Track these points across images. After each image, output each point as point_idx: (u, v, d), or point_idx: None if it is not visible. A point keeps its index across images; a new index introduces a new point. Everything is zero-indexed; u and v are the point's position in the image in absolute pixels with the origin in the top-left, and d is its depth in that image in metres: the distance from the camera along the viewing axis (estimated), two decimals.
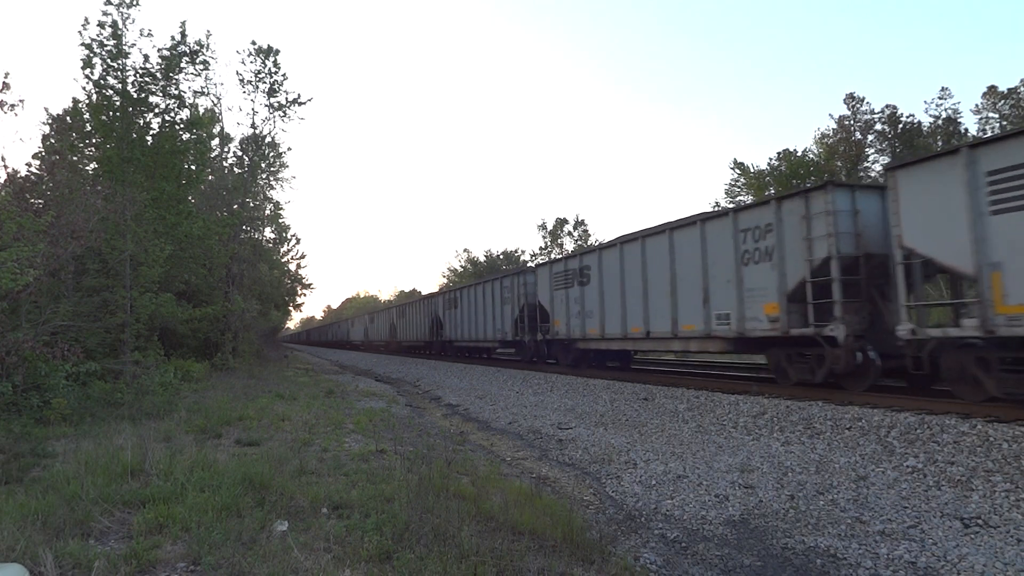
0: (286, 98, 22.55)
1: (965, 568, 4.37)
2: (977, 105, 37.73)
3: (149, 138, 14.70)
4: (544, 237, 60.18)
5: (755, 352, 12.33)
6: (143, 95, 14.39)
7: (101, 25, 13.73)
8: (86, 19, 16.67)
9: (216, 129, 23.94)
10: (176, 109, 15.07)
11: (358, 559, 3.88)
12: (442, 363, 26.22)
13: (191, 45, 15.29)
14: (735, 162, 41.81)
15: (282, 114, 22.72)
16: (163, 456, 6.00)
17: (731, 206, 11.63)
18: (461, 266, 62.42)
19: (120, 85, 14.04)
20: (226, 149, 25.76)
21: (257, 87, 22.42)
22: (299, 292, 41.37)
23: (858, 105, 39.78)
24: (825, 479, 6.44)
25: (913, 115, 38.85)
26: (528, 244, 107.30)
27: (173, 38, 14.99)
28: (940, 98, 38.20)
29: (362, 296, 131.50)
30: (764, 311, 10.52)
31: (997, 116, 36.46)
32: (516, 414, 12.47)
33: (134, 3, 13.92)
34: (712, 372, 15.23)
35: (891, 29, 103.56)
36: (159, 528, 4.27)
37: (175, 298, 16.14)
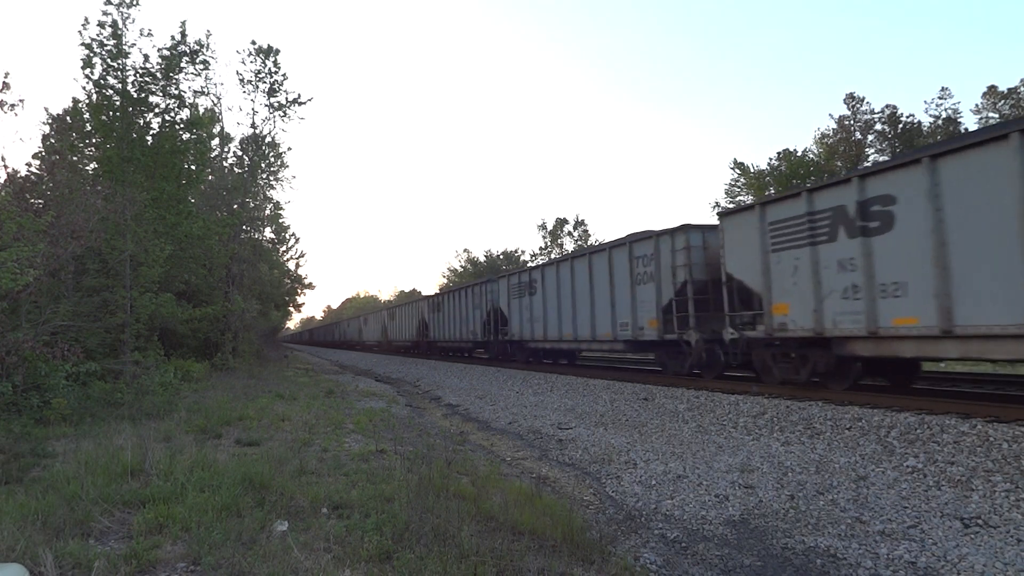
0: (286, 98, 22.59)
1: (965, 568, 4.36)
2: (977, 105, 37.78)
3: (149, 138, 14.70)
4: (544, 237, 60.24)
5: (647, 352, 15.60)
6: (143, 95, 14.39)
7: (101, 25, 13.74)
8: (86, 19, 16.69)
9: (216, 129, 23.96)
10: (176, 109, 15.08)
11: (358, 559, 3.88)
12: (442, 363, 26.25)
13: (191, 45, 15.29)
14: (735, 162, 41.85)
15: (282, 114, 22.75)
16: (163, 456, 6.00)
17: (630, 236, 14.82)
18: (461, 266, 62.46)
19: (120, 85, 14.04)
20: (226, 149, 25.80)
21: (257, 87, 22.44)
22: (299, 292, 41.42)
23: (858, 105, 39.80)
24: (825, 479, 6.44)
25: (913, 115, 38.88)
26: (528, 244, 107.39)
27: (173, 38, 14.99)
28: (940, 98, 38.24)
29: (362, 296, 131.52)
30: (648, 322, 13.64)
31: (997, 116, 36.45)
32: (516, 414, 12.47)
33: (134, 3, 13.93)
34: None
35: (891, 29, 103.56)
36: (159, 528, 4.27)
37: (175, 298, 16.14)
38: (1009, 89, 36.41)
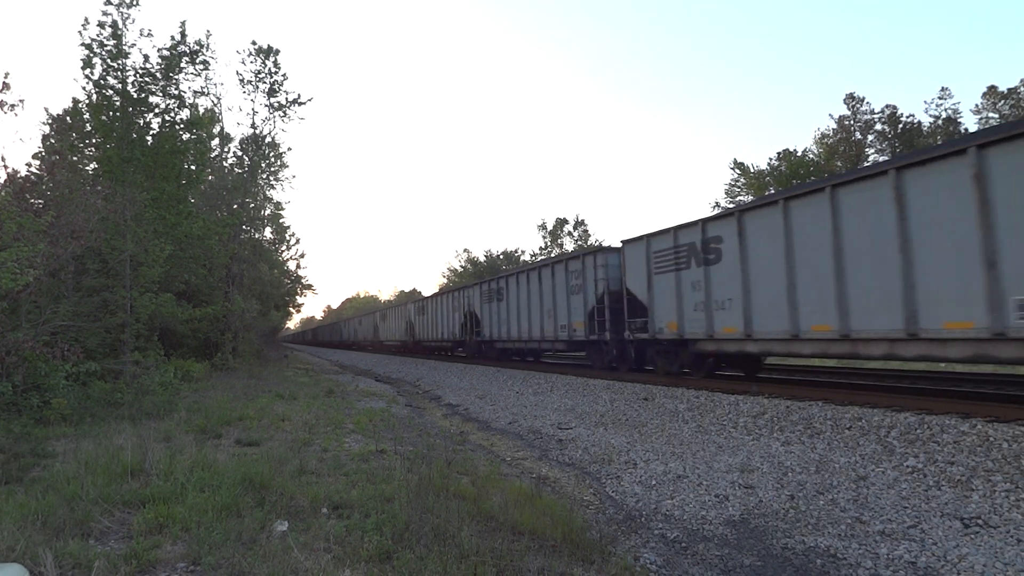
0: (286, 98, 22.57)
1: (965, 568, 4.36)
2: (977, 105, 37.80)
3: (149, 138, 14.70)
4: (544, 237, 60.23)
5: (580, 349, 17.85)
6: (143, 95, 14.39)
7: (101, 25, 13.73)
8: (86, 19, 16.70)
9: (216, 129, 23.95)
10: (176, 109, 15.08)
11: (358, 559, 3.88)
12: (442, 363, 26.30)
13: (191, 45, 15.29)
14: (735, 162, 41.87)
15: (282, 114, 22.74)
16: (163, 456, 6.00)
17: (567, 254, 20.04)
18: (461, 266, 62.43)
19: (120, 85, 14.04)
20: (226, 149, 25.78)
21: (257, 87, 22.42)
22: (299, 293, 41.43)
23: (858, 105, 39.81)
24: (825, 479, 6.44)
25: (913, 115, 38.93)
26: (528, 244, 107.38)
27: (173, 38, 14.99)
28: (940, 98, 38.26)
29: (362, 296, 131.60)
30: (577, 325, 16.65)
31: (997, 116, 36.45)
32: (516, 414, 12.47)
33: (134, 3, 13.92)
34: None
35: (891, 29, 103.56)
36: (159, 528, 4.27)
37: (175, 298, 16.13)
38: (1009, 89, 36.43)
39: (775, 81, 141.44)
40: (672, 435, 9.13)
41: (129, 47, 14.00)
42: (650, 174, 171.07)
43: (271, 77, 22.29)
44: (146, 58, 14.36)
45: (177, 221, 15.15)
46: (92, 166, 16.57)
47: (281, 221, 35.33)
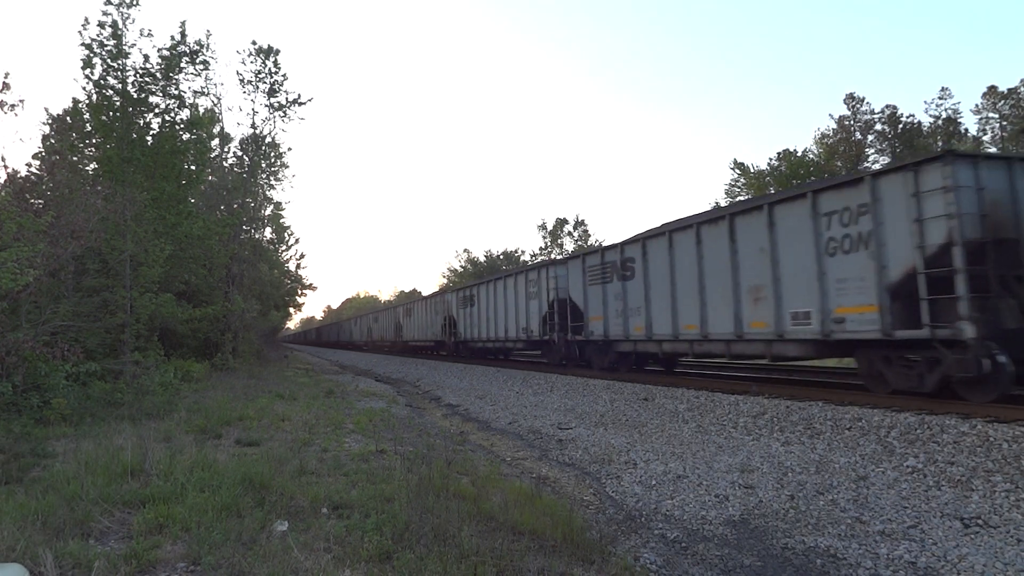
0: (286, 98, 22.57)
1: (965, 568, 4.36)
2: (977, 105, 37.84)
3: (149, 138, 14.71)
4: (544, 237, 60.33)
5: (537, 348, 20.65)
6: (143, 95, 14.39)
7: (101, 25, 13.74)
8: (86, 19, 16.66)
9: (216, 129, 23.94)
10: (176, 109, 15.09)
11: (358, 559, 3.88)
12: (442, 363, 26.35)
13: (191, 45, 15.31)
14: (735, 162, 41.91)
15: (282, 114, 22.74)
16: (163, 456, 6.01)
17: (527, 266, 23.60)
18: (461, 266, 62.46)
19: (120, 85, 14.04)
20: (226, 149, 25.78)
21: (257, 87, 22.43)
22: (300, 293, 41.46)
23: (858, 105, 39.84)
24: (825, 479, 6.44)
25: (913, 115, 38.96)
26: (528, 244, 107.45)
27: (173, 38, 15.00)
28: (940, 98, 38.30)
29: (362, 296, 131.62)
30: (534, 327, 19.35)
31: (997, 116, 36.48)
32: (516, 414, 12.47)
33: (134, 3, 13.93)
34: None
35: (891, 29, 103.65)
36: (159, 528, 4.27)
37: (175, 298, 16.14)
38: (1009, 89, 36.45)
39: (775, 81, 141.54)
40: (672, 435, 9.13)
41: (129, 47, 14.01)
42: (650, 174, 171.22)
43: (271, 77, 22.32)
44: (146, 58, 14.38)
45: (177, 221, 15.15)
46: (92, 166, 16.57)
47: (281, 221, 35.37)
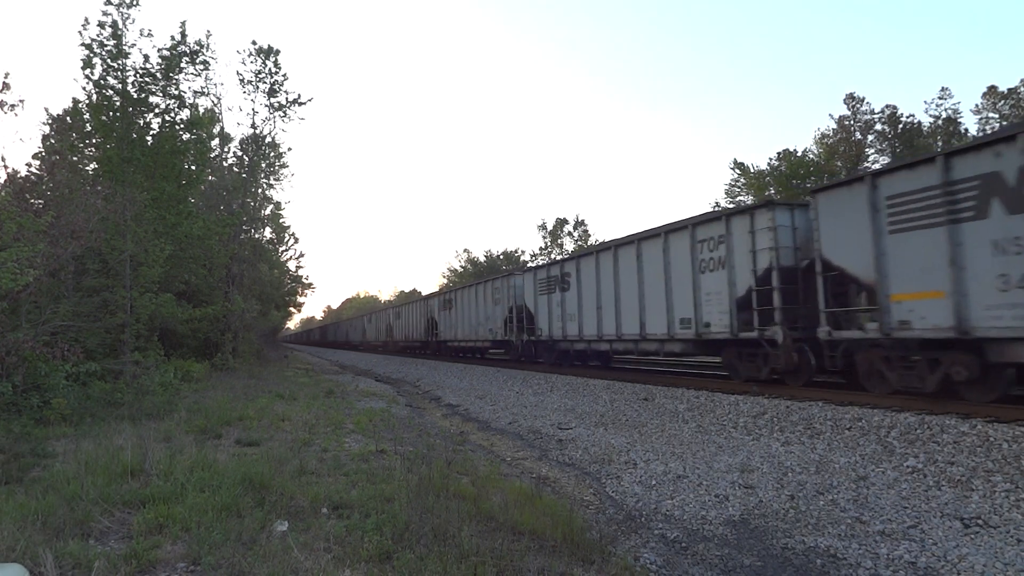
0: (286, 98, 22.56)
1: (965, 568, 4.36)
2: (977, 105, 37.79)
3: (149, 138, 14.68)
4: (544, 237, 60.25)
5: (501, 347, 23.32)
6: (143, 95, 14.37)
7: (101, 25, 13.71)
8: (86, 19, 16.66)
9: (216, 129, 23.92)
10: (176, 109, 15.05)
11: (358, 559, 3.88)
12: (442, 363, 26.41)
13: (191, 45, 15.27)
14: (735, 162, 41.89)
15: (282, 114, 22.73)
16: (163, 456, 6.00)
17: (493, 275, 26.86)
18: (461, 266, 62.42)
19: (120, 85, 14.02)
20: (226, 149, 25.76)
21: (257, 87, 22.42)
22: (299, 292, 41.48)
23: (858, 105, 39.81)
24: (825, 479, 6.44)
25: (913, 115, 38.91)
26: (528, 244, 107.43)
27: (173, 38, 14.97)
28: (940, 98, 38.24)
29: (362, 296, 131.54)
30: (500, 327, 22.28)
31: (997, 116, 36.46)
32: (516, 414, 12.47)
33: (134, 3, 13.90)
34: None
35: (891, 29, 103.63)
36: (159, 528, 4.27)
37: (175, 298, 16.13)
38: (1009, 89, 36.42)
39: (775, 81, 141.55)
40: (672, 435, 9.13)
41: (129, 47, 13.98)
42: (650, 174, 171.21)
43: (271, 77, 22.30)
44: (146, 58, 14.35)
45: (177, 221, 15.14)
46: (92, 166, 16.56)
47: (281, 221, 35.35)
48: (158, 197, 14.40)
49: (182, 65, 14.98)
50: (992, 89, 37.01)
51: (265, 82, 22.30)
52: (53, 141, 17.99)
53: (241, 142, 23.83)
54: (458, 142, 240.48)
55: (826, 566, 4.69)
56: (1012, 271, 7.11)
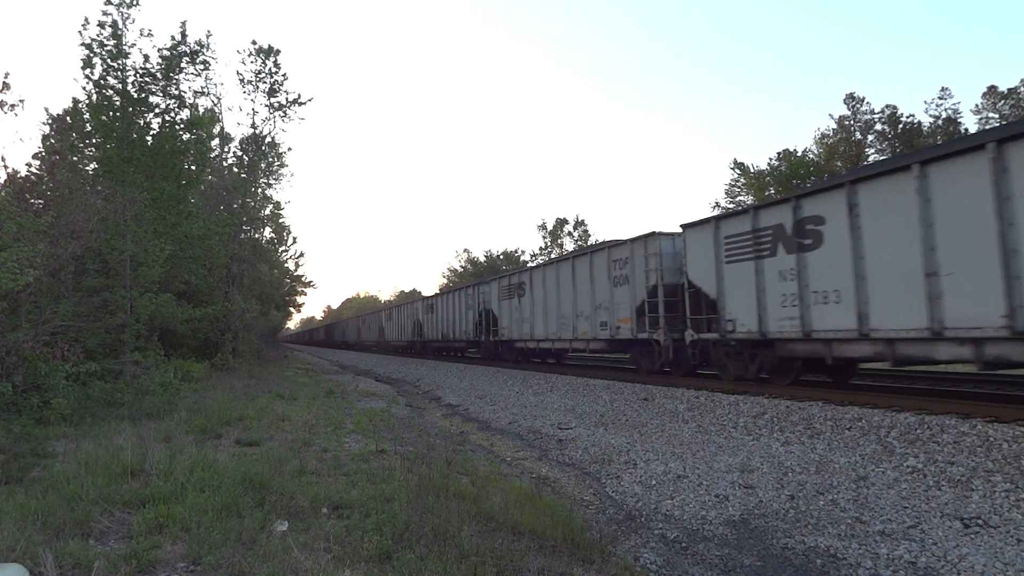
0: (286, 98, 22.57)
1: (965, 568, 4.36)
2: (977, 105, 37.79)
3: (149, 138, 14.68)
4: (544, 237, 60.22)
5: (474, 346, 26.28)
6: (143, 95, 14.36)
7: (101, 25, 13.71)
8: (86, 19, 16.66)
9: (216, 129, 23.93)
10: (176, 109, 15.05)
11: (358, 559, 3.88)
12: (442, 363, 26.45)
13: (191, 45, 15.26)
14: (735, 162, 41.86)
15: (282, 114, 22.74)
16: (163, 456, 6.00)
17: (467, 283, 30.84)
18: (461, 266, 62.40)
19: (120, 85, 14.01)
20: (226, 149, 25.76)
21: (257, 87, 22.43)
22: (299, 291, 41.51)
23: (858, 105, 39.81)
24: (825, 479, 6.44)
25: (913, 115, 38.90)
26: (528, 244, 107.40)
27: (173, 38, 14.97)
28: (940, 98, 38.23)
29: (362, 296, 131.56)
30: (472, 328, 25.16)
31: (997, 116, 36.45)
32: (516, 414, 12.47)
33: (134, 3, 13.90)
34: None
35: (891, 29, 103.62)
36: (159, 528, 4.27)
37: (175, 298, 16.13)
38: (1009, 89, 36.42)
39: (775, 81, 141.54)
40: (672, 435, 9.13)
41: (129, 47, 13.97)
42: (650, 174, 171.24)
43: (271, 77, 22.31)
44: (146, 58, 14.35)
45: (177, 221, 15.13)
46: (92, 166, 16.55)
47: (281, 221, 35.33)
48: (158, 197, 14.40)
49: (182, 65, 14.97)
50: (992, 89, 37.01)
51: (265, 82, 22.32)
52: (53, 141, 18.00)
53: (241, 142, 23.85)
54: (458, 142, 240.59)
55: (826, 566, 4.69)
56: (788, 292, 10.05)
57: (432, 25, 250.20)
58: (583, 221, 60.71)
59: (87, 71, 13.76)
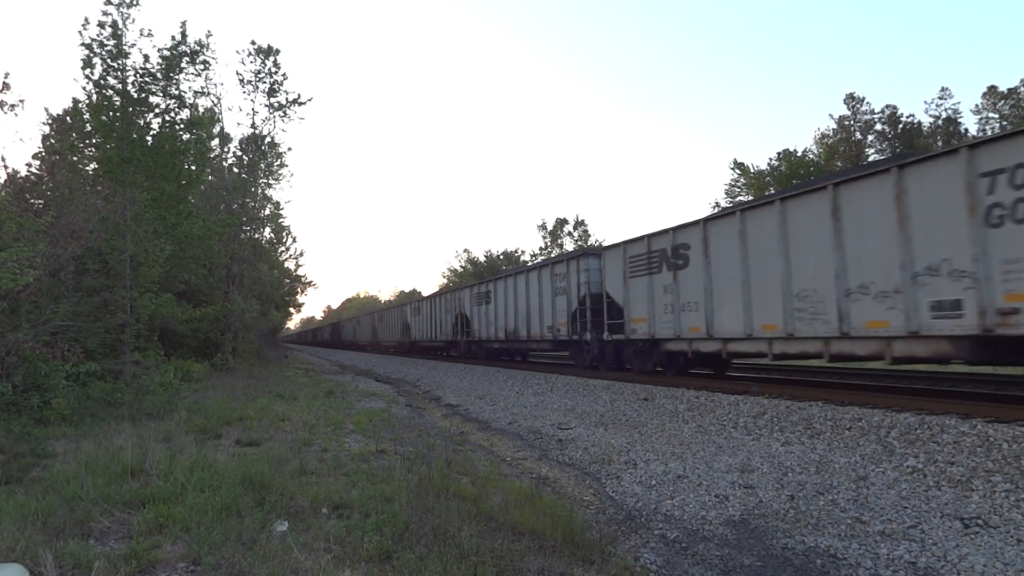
0: (286, 98, 22.53)
1: (965, 568, 4.36)
2: (977, 105, 37.80)
3: (149, 138, 14.66)
4: (544, 237, 60.24)
5: (452, 348, 29.06)
6: (143, 95, 14.35)
7: (101, 25, 13.69)
8: (86, 19, 16.64)
9: (216, 129, 23.90)
10: (176, 109, 15.03)
11: (358, 559, 3.88)
12: (442, 363, 26.46)
13: (191, 45, 15.24)
14: (735, 162, 41.90)
15: (282, 114, 22.71)
16: (163, 456, 6.00)
17: (445, 288, 34.15)
18: (461, 266, 62.37)
19: (120, 85, 14.00)
20: (226, 149, 25.74)
21: (257, 87, 22.40)
22: (299, 291, 41.51)
23: (858, 105, 39.82)
24: (825, 479, 6.44)
25: (913, 115, 38.94)
26: (528, 244, 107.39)
27: (173, 38, 14.95)
28: (940, 98, 38.26)
29: (362, 296, 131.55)
30: (450, 329, 28.65)
31: (997, 116, 36.45)
32: (516, 414, 12.47)
33: (134, 3, 13.89)
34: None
35: (891, 29, 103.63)
36: (159, 528, 4.27)
37: (175, 298, 16.12)
38: (1009, 89, 36.43)
39: (775, 81, 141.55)
40: (672, 435, 9.13)
41: (129, 47, 13.95)
42: (650, 174, 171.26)
43: (271, 77, 22.28)
44: (146, 58, 14.33)
45: (177, 221, 15.13)
46: (92, 166, 16.54)
47: (281, 221, 35.31)
48: (158, 197, 14.39)
49: (182, 65, 14.96)
50: (992, 89, 37.03)
51: (265, 82, 22.30)
52: (53, 141, 17.99)
53: (241, 142, 23.82)
54: (458, 142, 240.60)
55: (826, 566, 4.69)
56: (668, 302, 12.95)
57: (432, 25, 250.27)
58: (583, 221, 60.79)
59: (87, 71, 13.75)
